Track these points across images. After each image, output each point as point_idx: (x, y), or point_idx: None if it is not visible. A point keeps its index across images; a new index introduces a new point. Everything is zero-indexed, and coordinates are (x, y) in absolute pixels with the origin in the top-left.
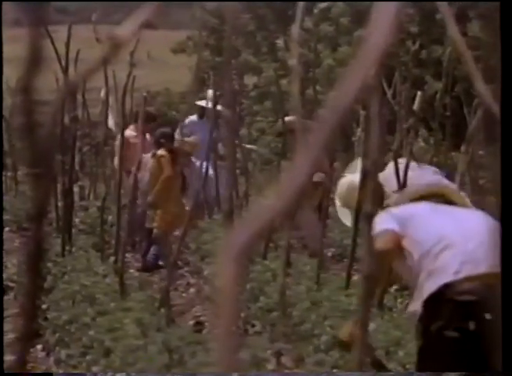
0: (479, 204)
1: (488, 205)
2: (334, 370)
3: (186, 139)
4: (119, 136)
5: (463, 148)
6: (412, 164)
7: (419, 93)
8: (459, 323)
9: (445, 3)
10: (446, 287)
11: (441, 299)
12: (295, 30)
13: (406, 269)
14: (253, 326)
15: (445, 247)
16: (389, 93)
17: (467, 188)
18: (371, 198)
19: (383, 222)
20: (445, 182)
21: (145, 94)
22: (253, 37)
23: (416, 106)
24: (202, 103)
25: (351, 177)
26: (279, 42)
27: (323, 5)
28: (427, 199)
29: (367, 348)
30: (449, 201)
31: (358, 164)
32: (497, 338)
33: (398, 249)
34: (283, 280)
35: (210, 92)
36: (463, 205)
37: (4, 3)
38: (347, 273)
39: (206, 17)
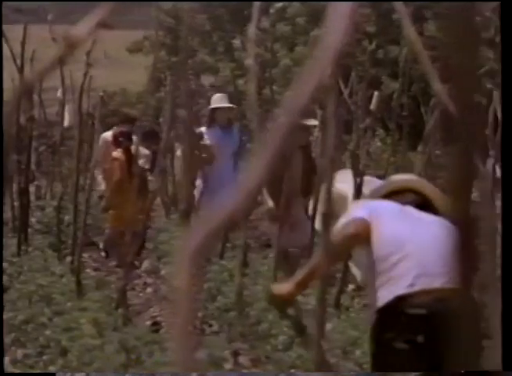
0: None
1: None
2: (292, 370)
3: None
4: (102, 136)
5: (420, 148)
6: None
7: (376, 93)
8: (410, 335)
9: (400, 3)
10: (399, 299)
11: (393, 311)
12: (251, 30)
13: (365, 265)
14: (210, 326)
15: (403, 257)
16: (346, 93)
17: None
18: (327, 199)
19: (357, 210)
20: (417, 178)
21: (101, 94)
22: (209, 37)
23: (372, 106)
24: (218, 105)
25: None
26: (236, 42)
27: (279, 4)
28: (400, 194)
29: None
30: (423, 196)
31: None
32: (450, 354)
33: (365, 238)
34: (240, 280)
35: (216, 97)
36: (437, 199)
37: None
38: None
39: (162, 17)
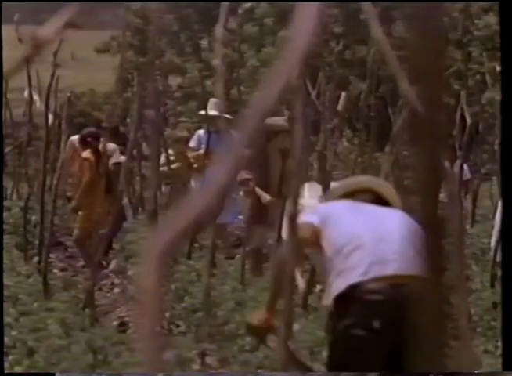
0: (403, 205)
1: (412, 205)
2: (259, 370)
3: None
4: (70, 139)
5: (387, 148)
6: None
7: (343, 93)
8: (366, 322)
9: (368, 3)
10: (354, 287)
11: (349, 298)
12: (219, 30)
13: (321, 265)
14: (177, 326)
15: (356, 247)
16: (313, 93)
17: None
18: (293, 199)
19: (305, 215)
20: (373, 178)
21: (69, 94)
22: (177, 37)
23: (340, 107)
24: (213, 112)
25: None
26: (203, 43)
27: (247, 5)
28: (355, 195)
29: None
30: (378, 196)
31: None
32: (410, 339)
33: (314, 242)
34: (208, 281)
35: (214, 100)
36: (392, 198)
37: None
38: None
39: (130, 17)
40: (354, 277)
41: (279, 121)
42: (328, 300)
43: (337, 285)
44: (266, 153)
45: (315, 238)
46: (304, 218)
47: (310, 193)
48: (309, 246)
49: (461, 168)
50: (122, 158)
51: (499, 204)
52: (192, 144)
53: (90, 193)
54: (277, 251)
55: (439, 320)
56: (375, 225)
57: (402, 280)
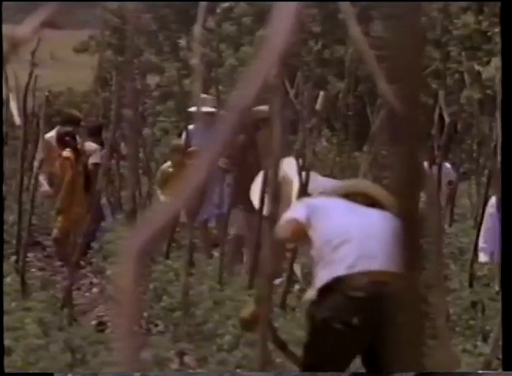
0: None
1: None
2: (237, 370)
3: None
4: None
5: (365, 147)
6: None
7: (321, 93)
8: (346, 316)
9: (346, 2)
10: (338, 279)
11: (332, 291)
12: (197, 29)
13: (309, 257)
14: (156, 325)
15: (345, 240)
16: (292, 93)
17: None
18: (272, 199)
19: (293, 210)
20: (368, 182)
21: (46, 93)
22: (155, 36)
23: (318, 106)
24: (208, 109)
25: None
26: (182, 42)
27: (226, 4)
28: (351, 196)
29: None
30: (373, 199)
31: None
32: (389, 337)
33: (297, 238)
34: (186, 280)
35: (206, 97)
36: (386, 201)
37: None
38: (249, 273)
39: (108, 17)
40: (340, 270)
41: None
42: (311, 293)
43: (323, 276)
44: (254, 141)
45: (298, 235)
46: (290, 213)
47: (286, 164)
48: (292, 242)
49: (439, 167)
50: (99, 157)
51: (491, 203)
52: (184, 140)
53: (71, 193)
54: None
55: (418, 320)
56: (364, 223)
57: (386, 277)
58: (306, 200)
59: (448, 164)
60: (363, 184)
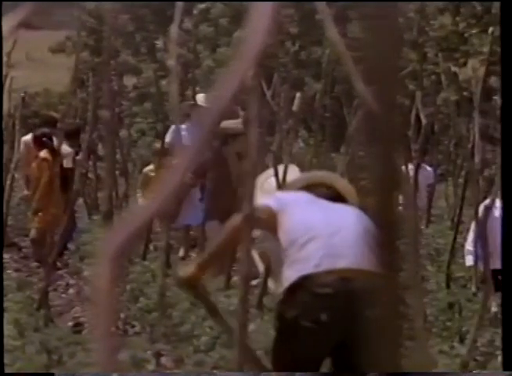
0: (360, 205)
1: (368, 205)
2: (214, 371)
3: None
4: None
5: (342, 149)
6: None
7: (298, 94)
8: (314, 314)
9: (323, 3)
10: (305, 278)
11: (299, 289)
12: (174, 30)
13: (275, 254)
14: (133, 326)
15: (310, 239)
16: (268, 94)
17: None
18: (249, 201)
19: (266, 199)
20: (329, 173)
21: (22, 94)
22: (132, 37)
23: (295, 107)
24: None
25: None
26: (159, 43)
27: (203, 5)
28: (312, 189)
29: (246, 347)
30: (334, 191)
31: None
32: (359, 333)
33: (269, 225)
34: (163, 281)
35: (200, 96)
36: (349, 193)
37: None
38: (226, 274)
39: (85, 17)
40: (306, 269)
41: (236, 123)
42: (279, 289)
43: (289, 275)
44: (223, 156)
45: (271, 221)
46: (262, 201)
47: (291, 175)
48: (264, 228)
49: (416, 168)
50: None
51: (483, 206)
52: (168, 139)
53: (48, 194)
54: (231, 219)
55: (395, 320)
56: (330, 220)
57: (353, 274)
58: (278, 194)
59: (428, 168)
60: (322, 175)
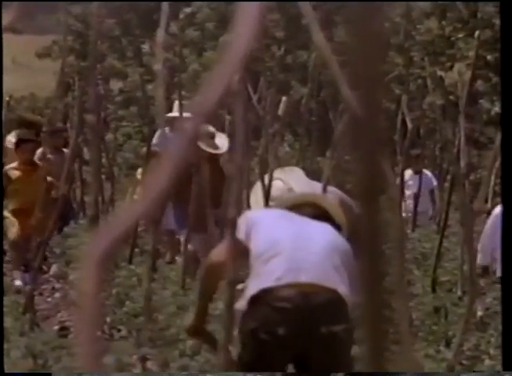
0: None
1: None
2: (200, 375)
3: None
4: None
5: (328, 153)
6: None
7: (284, 98)
8: (272, 327)
9: (309, 8)
10: (266, 291)
11: (259, 302)
12: (160, 34)
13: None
14: (118, 331)
15: (276, 254)
16: (254, 98)
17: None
18: (235, 203)
19: (238, 229)
20: (320, 193)
21: (8, 99)
22: (118, 41)
23: (281, 111)
24: (174, 114)
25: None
26: (145, 47)
27: (188, 10)
28: (301, 208)
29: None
30: (323, 211)
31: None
32: (317, 347)
33: (240, 256)
34: (149, 285)
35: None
36: (335, 215)
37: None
38: None
39: (71, 22)
40: (267, 282)
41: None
42: (241, 303)
43: (251, 288)
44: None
45: (240, 252)
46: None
47: (293, 178)
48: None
49: (402, 172)
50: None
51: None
52: (155, 141)
53: (29, 198)
54: (207, 258)
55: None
56: (298, 235)
57: (314, 289)
58: (248, 214)
59: (429, 173)
60: (313, 195)
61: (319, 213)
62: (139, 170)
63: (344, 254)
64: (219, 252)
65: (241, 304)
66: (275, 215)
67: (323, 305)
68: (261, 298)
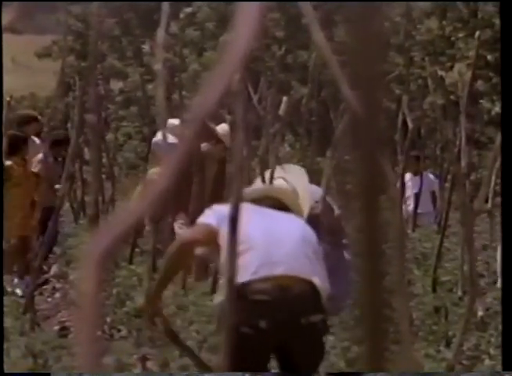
0: (346, 209)
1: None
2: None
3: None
4: None
5: (329, 153)
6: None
7: (284, 98)
8: (252, 320)
9: (309, 7)
10: (243, 285)
11: (237, 297)
12: (160, 34)
13: (219, 265)
14: (118, 331)
15: (249, 248)
16: (255, 98)
17: (334, 193)
18: (235, 203)
19: (204, 216)
20: (284, 187)
21: (8, 99)
22: (118, 41)
23: (282, 111)
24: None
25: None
26: (145, 47)
27: (189, 9)
28: (264, 201)
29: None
30: (282, 203)
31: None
32: (296, 338)
33: (209, 242)
34: (149, 285)
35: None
36: (293, 206)
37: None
38: (212, 278)
39: (71, 22)
40: (243, 276)
41: (222, 129)
42: (219, 298)
43: None
44: (202, 162)
45: (210, 238)
46: (202, 219)
47: (295, 177)
48: (203, 246)
49: (402, 172)
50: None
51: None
52: (155, 143)
53: (24, 199)
54: (174, 241)
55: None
56: (269, 229)
57: (289, 281)
58: (215, 207)
59: (431, 175)
60: (270, 188)
61: (279, 206)
62: (152, 170)
63: (313, 244)
64: (192, 232)
65: (219, 298)
66: (245, 209)
67: (300, 296)
68: (238, 293)
